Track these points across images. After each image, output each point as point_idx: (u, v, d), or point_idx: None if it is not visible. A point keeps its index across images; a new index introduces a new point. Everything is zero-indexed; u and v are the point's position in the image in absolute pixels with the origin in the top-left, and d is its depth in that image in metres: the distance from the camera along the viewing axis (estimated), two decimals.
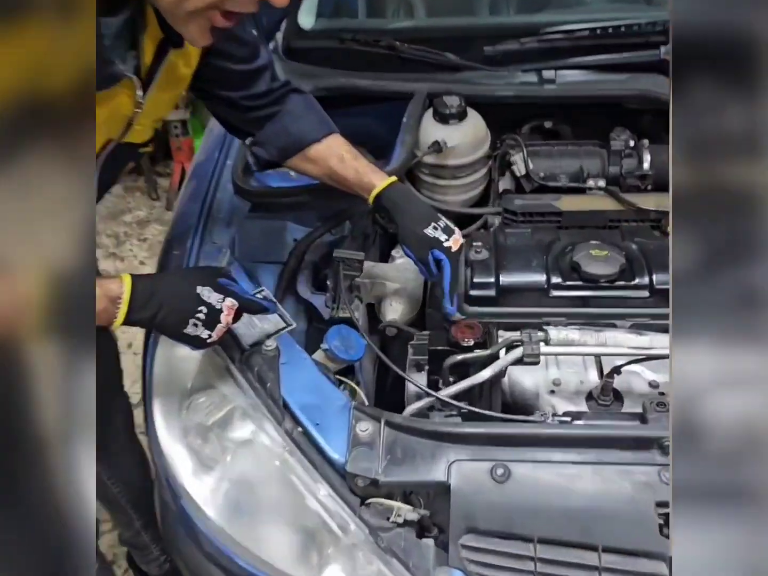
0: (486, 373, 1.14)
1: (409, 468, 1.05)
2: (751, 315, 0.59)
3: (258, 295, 1.28)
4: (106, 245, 3.20)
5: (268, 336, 1.23)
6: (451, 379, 1.21)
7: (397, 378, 1.30)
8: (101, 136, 1.06)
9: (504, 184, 1.66)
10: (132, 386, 1.64)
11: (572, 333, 1.18)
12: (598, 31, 1.65)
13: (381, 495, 1.04)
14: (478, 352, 1.19)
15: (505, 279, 1.36)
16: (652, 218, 1.49)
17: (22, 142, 0.51)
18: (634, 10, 1.91)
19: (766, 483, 0.58)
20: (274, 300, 1.28)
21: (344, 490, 1.06)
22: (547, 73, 1.64)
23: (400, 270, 1.48)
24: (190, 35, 0.93)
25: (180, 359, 1.19)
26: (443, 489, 1.03)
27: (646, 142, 1.58)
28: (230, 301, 1.04)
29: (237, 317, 1.08)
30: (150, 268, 2.77)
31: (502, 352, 1.20)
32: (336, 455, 1.08)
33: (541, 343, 1.18)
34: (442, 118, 1.55)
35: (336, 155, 1.28)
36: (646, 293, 1.31)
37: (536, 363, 1.16)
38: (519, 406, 1.30)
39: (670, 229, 0.66)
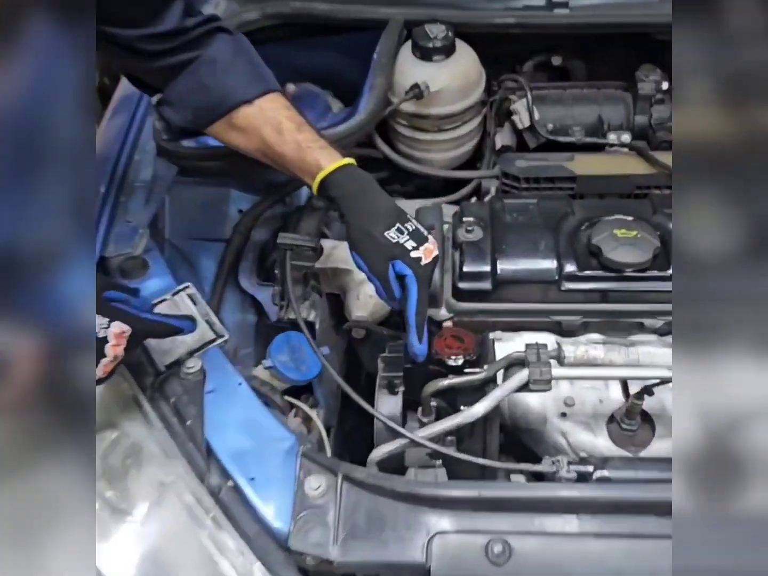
0: (479, 409, 0.85)
1: (376, 543, 0.78)
2: None
3: (178, 297, 0.97)
4: None
5: (191, 353, 0.93)
6: (433, 405, 0.92)
7: (371, 384, 1.01)
8: None
9: (502, 139, 1.33)
10: None
11: (594, 349, 0.89)
12: None
13: None
14: (470, 376, 0.90)
15: (505, 266, 1.06)
16: None
17: None
18: None
19: None
20: (199, 302, 0.97)
21: (288, 572, 0.79)
22: None
23: None
24: None
25: None
26: (421, 573, 0.76)
27: None
28: (118, 327, 0.75)
29: (134, 343, 0.78)
30: None
31: (501, 373, 0.91)
32: (277, 523, 0.80)
33: (553, 362, 0.88)
34: (424, 54, 1.25)
35: (272, 123, 0.95)
36: None
37: (546, 390, 0.87)
38: (521, 431, 1.02)
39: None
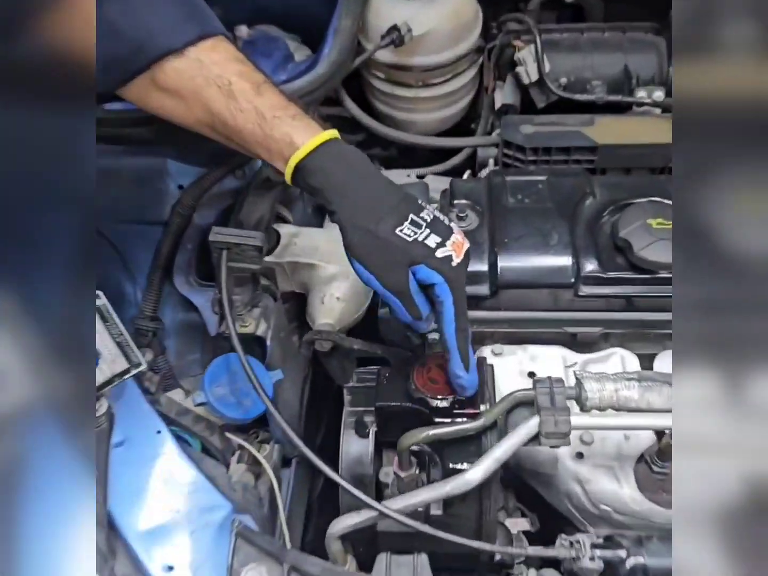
0: (474, 476, 0.63)
1: None
2: None
3: None
4: None
5: (98, 388, 0.71)
6: (413, 461, 0.71)
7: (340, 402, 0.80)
8: None
9: (503, 96, 1.10)
10: None
11: (626, 387, 0.67)
12: None
13: None
14: (461, 424, 0.68)
15: (507, 265, 0.84)
16: None
17: None
18: None
19: None
20: (111, 318, 0.75)
21: None
22: None
23: (340, 241, 0.93)
24: None
25: None
26: None
27: None
28: None
29: None
30: None
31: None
32: None
33: (572, 404, 0.66)
34: None
35: (217, 82, 0.70)
36: None
37: (563, 445, 0.65)
38: (526, 471, 0.81)
39: None
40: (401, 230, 0.65)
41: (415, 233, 0.66)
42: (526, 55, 1.07)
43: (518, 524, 0.83)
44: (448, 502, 0.71)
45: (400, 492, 0.74)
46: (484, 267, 0.84)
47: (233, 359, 0.80)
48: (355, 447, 0.76)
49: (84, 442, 0.57)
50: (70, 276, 0.60)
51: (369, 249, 0.66)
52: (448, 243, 0.66)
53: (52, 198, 0.60)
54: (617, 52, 1.09)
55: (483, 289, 0.84)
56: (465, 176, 1.05)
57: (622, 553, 0.63)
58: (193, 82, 0.71)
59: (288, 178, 0.69)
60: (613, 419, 0.67)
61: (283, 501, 0.81)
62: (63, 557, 0.52)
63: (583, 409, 0.68)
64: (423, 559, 0.66)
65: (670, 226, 0.81)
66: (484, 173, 1.01)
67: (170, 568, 0.63)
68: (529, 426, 0.66)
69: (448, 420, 0.71)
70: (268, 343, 0.85)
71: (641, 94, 1.05)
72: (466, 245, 0.69)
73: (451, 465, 0.68)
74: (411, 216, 0.66)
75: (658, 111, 1.04)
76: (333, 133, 0.69)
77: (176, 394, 0.86)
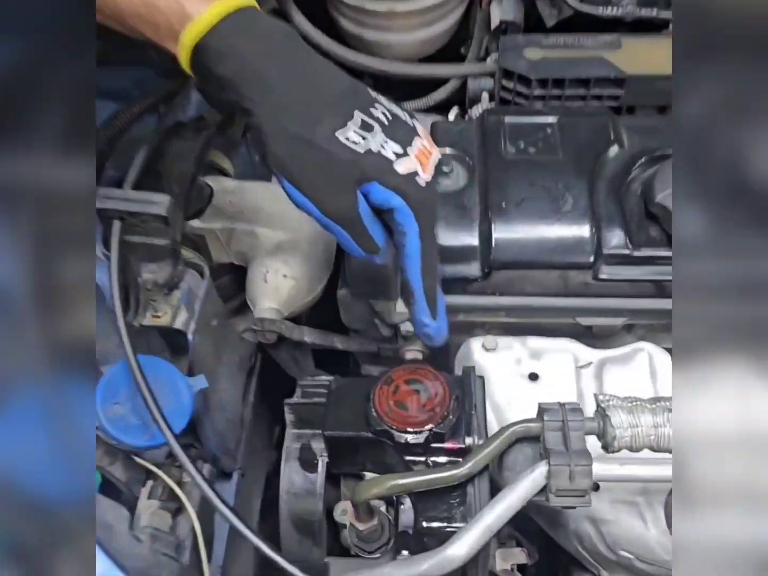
0: (458, 552, 0.45)
1: None
2: None
3: None
4: None
5: None
6: (375, 508, 0.53)
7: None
8: None
9: (502, 10, 0.85)
10: None
11: (670, 423, 0.48)
12: None
13: None
14: (438, 471, 0.49)
15: (504, 236, 0.64)
16: None
17: None
18: None
19: None
20: None
21: None
22: None
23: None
24: None
25: None
26: None
27: None
28: None
29: None
30: None
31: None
32: None
33: (594, 442, 0.48)
34: None
35: None
36: None
37: (581, 506, 0.47)
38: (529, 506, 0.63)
39: None
40: (346, 135, 0.48)
41: (366, 139, 0.48)
42: None
43: (512, 556, 0.65)
44: None
45: (360, 540, 0.57)
46: (473, 240, 0.63)
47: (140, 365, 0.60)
48: (300, 482, 0.57)
49: None
50: None
51: (302, 163, 0.49)
52: (411, 152, 0.49)
53: None
54: None
55: (472, 269, 0.64)
56: (451, 116, 0.82)
57: None
58: None
59: (185, 63, 0.50)
60: (653, 468, 0.48)
61: (212, 541, 0.63)
62: None
63: (609, 449, 0.49)
64: None
65: None
66: (476, 112, 0.79)
67: None
68: (534, 479, 0.47)
69: (422, 459, 0.52)
70: (190, 337, 0.65)
71: None
72: (436, 155, 0.52)
73: (425, 524, 0.50)
74: (359, 115, 0.49)
75: None
76: (246, 1, 0.50)
77: None
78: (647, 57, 0.74)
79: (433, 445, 0.51)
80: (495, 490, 0.52)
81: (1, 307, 0.41)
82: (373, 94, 0.52)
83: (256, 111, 0.49)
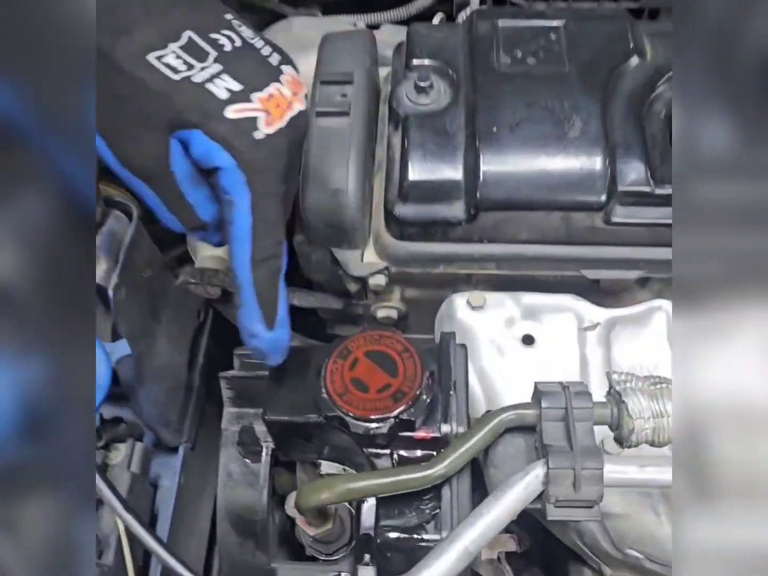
0: (436, 573, 0.34)
1: None
2: None
3: None
4: None
5: None
6: (328, 511, 0.42)
7: None
8: None
9: None
10: None
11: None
12: None
13: None
14: (406, 473, 0.38)
15: (495, 169, 0.51)
16: None
17: None
18: None
19: None
20: None
21: None
22: None
23: None
24: None
25: None
26: None
27: None
28: None
29: None
30: None
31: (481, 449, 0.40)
32: None
33: (608, 441, 0.37)
34: None
35: None
36: None
37: (589, 519, 0.36)
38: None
39: None
40: (161, 57, 0.35)
41: (190, 67, 0.36)
42: None
43: (499, 543, 0.56)
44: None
45: (315, 542, 0.47)
46: (456, 174, 0.51)
47: None
48: (239, 472, 0.47)
49: None
50: None
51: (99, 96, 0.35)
52: (255, 95, 0.37)
53: None
54: None
55: (454, 210, 0.52)
56: (435, 21, 0.68)
57: None
58: None
59: None
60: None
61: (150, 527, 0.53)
62: None
63: (625, 445, 0.38)
64: None
65: None
66: (461, 16, 0.65)
67: None
68: (528, 484, 0.36)
69: (386, 452, 0.41)
70: (110, 293, 0.53)
71: None
72: (298, 107, 0.39)
73: (390, 534, 0.39)
74: (189, 34, 0.36)
75: None
76: None
77: None
78: None
79: (401, 434, 0.41)
80: (478, 485, 0.42)
81: None
82: (228, 15, 0.38)
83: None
